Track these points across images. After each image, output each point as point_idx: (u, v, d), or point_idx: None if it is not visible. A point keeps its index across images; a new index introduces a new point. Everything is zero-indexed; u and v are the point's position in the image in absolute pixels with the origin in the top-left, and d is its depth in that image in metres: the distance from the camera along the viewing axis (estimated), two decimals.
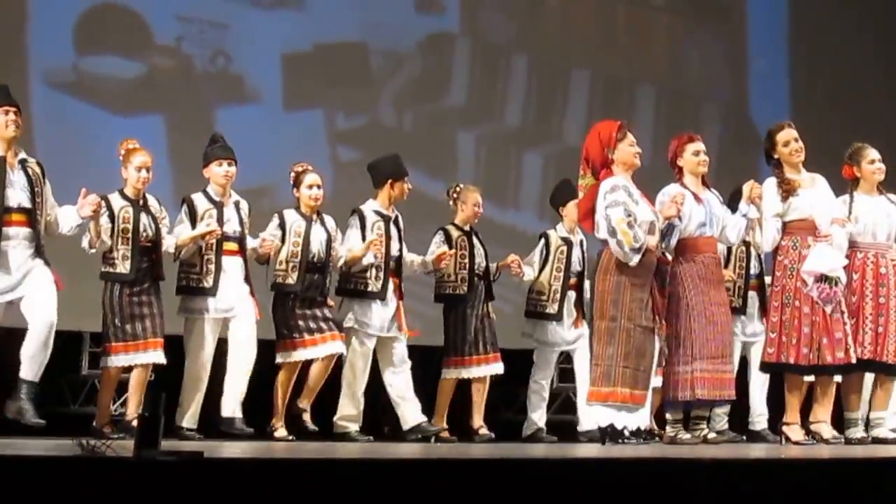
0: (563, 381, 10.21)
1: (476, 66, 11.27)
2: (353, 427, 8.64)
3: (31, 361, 7.42)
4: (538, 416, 9.37)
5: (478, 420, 9.16)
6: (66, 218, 7.63)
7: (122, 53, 9.81)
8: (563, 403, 10.25)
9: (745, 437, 9.52)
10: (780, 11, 12.60)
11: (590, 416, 7.91)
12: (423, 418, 8.81)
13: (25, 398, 7.40)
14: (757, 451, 7.75)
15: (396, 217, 8.82)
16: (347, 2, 10.63)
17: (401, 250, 8.82)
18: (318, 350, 8.45)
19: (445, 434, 8.99)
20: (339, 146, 10.53)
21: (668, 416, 8.09)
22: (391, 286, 8.72)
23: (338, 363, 8.59)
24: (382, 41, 10.79)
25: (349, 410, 8.66)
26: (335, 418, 8.67)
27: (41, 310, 7.36)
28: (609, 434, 7.59)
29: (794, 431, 8.23)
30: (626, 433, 7.58)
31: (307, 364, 8.49)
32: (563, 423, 9.66)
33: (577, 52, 11.66)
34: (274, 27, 10.35)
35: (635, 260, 7.50)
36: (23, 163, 7.49)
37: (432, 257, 8.94)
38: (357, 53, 10.68)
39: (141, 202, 7.97)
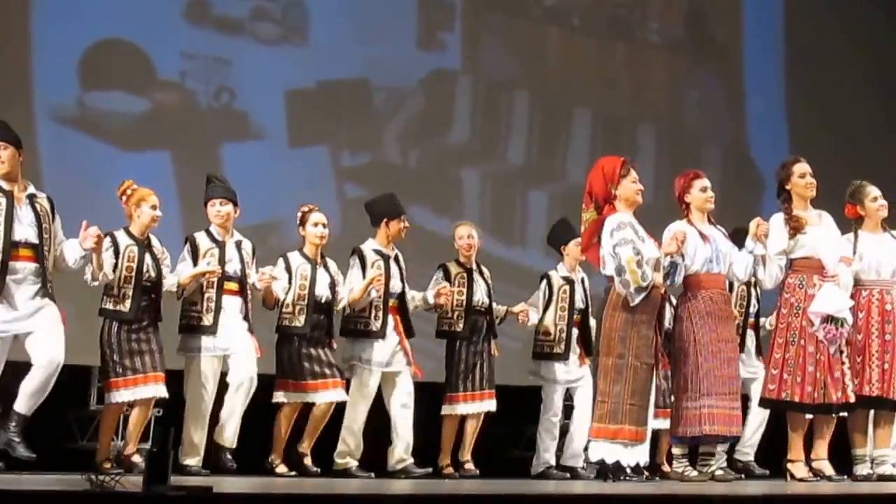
0: (569, 417, 10.17)
1: (478, 103, 11.29)
2: (353, 463, 8.63)
3: (29, 397, 7.40)
4: (549, 454, 9.35)
5: (465, 454, 9.13)
6: (71, 251, 7.62)
7: (127, 89, 9.83)
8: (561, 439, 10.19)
9: (743, 476, 9.51)
10: (776, 48, 12.62)
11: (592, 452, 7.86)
12: (410, 459, 8.79)
13: (15, 431, 7.38)
14: (763, 487, 7.76)
15: (397, 255, 8.83)
16: (350, 38, 10.64)
17: (403, 288, 8.83)
18: (318, 395, 8.47)
19: (449, 470, 8.97)
20: (345, 183, 10.53)
21: (674, 451, 8.10)
22: (391, 323, 8.72)
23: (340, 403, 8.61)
24: (385, 78, 10.80)
25: (349, 446, 8.65)
26: (335, 454, 8.65)
27: (47, 349, 7.35)
28: (612, 471, 7.58)
29: (799, 469, 8.23)
30: (629, 470, 7.58)
31: (307, 404, 8.51)
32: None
33: (578, 91, 11.68)
34: (277, 63, 10.37)
35: (639, 299, 7.52)
36: (31, 198, 7.48)
37: (432, 292, 8.94)
38: (359, 89, 10.70)
39: (146, 242, 7.97)
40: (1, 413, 7.46)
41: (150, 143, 9.77)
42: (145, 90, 9.90)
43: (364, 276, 8.64)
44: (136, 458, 7.85)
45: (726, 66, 12.46)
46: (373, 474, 8.61)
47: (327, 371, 8.47)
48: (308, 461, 8.53)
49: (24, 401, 7.41)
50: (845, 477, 8.30)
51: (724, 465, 9.31)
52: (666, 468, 9.03)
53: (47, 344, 7.36)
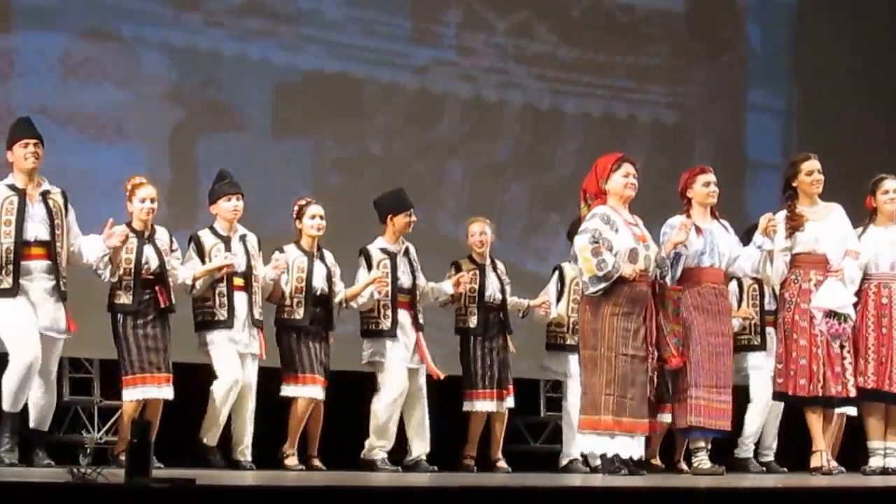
0: (550, 410, 10.11)
1: (469, 95, 11.23)
2: (382, 456, 8.65)
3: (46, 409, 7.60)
4: (574, 447, 9.17)
5: (496, 453, 9.14)
6: (92, 248, 7.66)
7: (112, 81, 9.74)
8: (553, 432, 10.18)
9: (765, 469, 9.51)
10: (781, 46, 12.56)
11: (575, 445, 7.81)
12: (424, 455, 8.78)
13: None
14: (755, 481, 7.73)
15: (406, 249, 8.82)
16: (342, 32, 10.58)
17: (414, 282, 8.80)
18: (311, 390, 8.47)
19: (470, 462, 9.00)
20: (326, 175, 10.52)
21: (691, 445, 8.09)
22: (406, 320, 8.72)
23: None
24: (376, 71, 10.75)
25: (379, 441, 8.66)
26: (367, 449, 8.67)
27: (48, 363, 7.50)
28: (601, 462, 7.55)
29: (814, 458, 8.18)
30: (616, 462, 7.52)
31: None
32: (553, 452, 9.57)
33: (574, 83, 11.61)
34: (266, 56, 10.31)
35: (596, 288, 7.48)
36: (44, 194, 7.52)
37: (449, 282, 8.91)
38: (350, 83, 10.64)
39: (146, 234, 7.97)
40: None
41: (132, 135, 9.71)
42: (131, 83, 9.82)
43: None
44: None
45: (730, 61, 12.38)
46: (400, 468, 8.62)
47: (315, 367, 8.46)
48: (293, 461, 8.51)
49: (39, 417, 7.62)
50: (843, 469, 8.32)
51: (750, 455, 9.36)
52: (655, 462, 8.99)
53: (48, 357, 7.50)
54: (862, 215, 8.52)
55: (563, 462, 9.30)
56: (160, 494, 4.39)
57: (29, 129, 7.59)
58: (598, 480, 7.03)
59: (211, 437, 8.23)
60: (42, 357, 7.45)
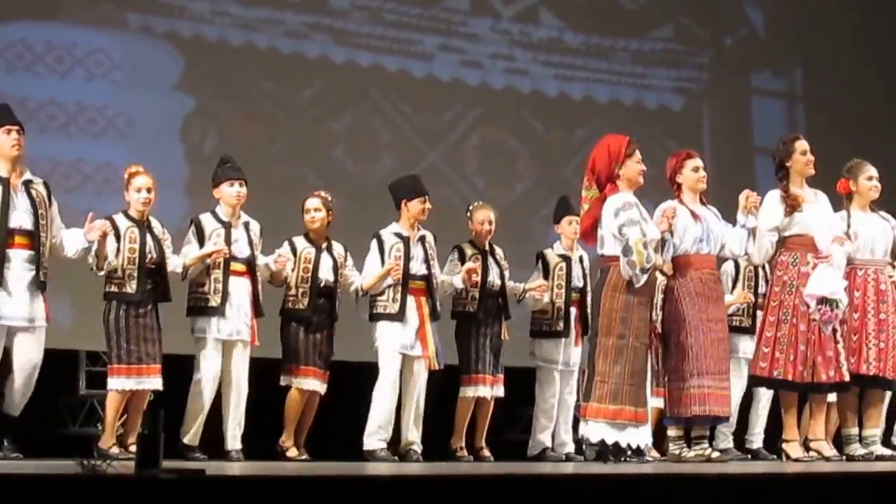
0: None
1: (476, 82, 11.25)
2: (381, 445, 8.61)
3: (15, 398, 7.50)
4: (545, 436, 9.30)
5: (480, 440, 9.11)
6: (73, 241, 7.64)
7: (120, 71, 9.79)
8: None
9: (749, 456, 9.48)
10: (786, 29, 12.54)
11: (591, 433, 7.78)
12: (418, 446, 8.75)
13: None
14: (759, 467, 7.73)
15: (423, 236, 8.78)
16: (349, 19, 10.64)
17: (429, 270, 8.78)
18: (306, 382, 8.51)
19: (463, 453, 8.97)
20: (334, 163, 10.53)
21: (669, 433, 8.06)
22: (413, 306, 8.67)
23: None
24: (383, 59, 10.79)
25: (376, 429, 8.63)
26: (365, 437, 8.64)
27: (27, 351, 7.44)
28: (613, 452, 7.56)
29: (794, 449, 8.21)
30: (629, 451, 7.55)
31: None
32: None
33: (580, 68, 11.62)
34: (273, 45, 10.37)
35: (643, 280, 7.49)
36: (27, 184, 7.49)
37: (461, 275, 8.89)
38: (357, 71, 10.68)
39: (145, 223, 7.98)
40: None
41: (140, 126, 9.74)
42: (137, 73, 9.85)
43: (382, 261, 8.64)
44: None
45: (735, 44, 12.37)
46: (396, 458, 8.58)
47: (316, 359, 8.51)
48: (294, 452, 8.54)
49: (11, 403, 7.51)
50: (843, 457, 8.29)
51: (730, 445, 9.35)
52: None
53: (28, 346, 7.44)
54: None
55: (534, 452, 9.27)
56: (169, 485, 4.41)
57: (10, 116, 7.53)
58: (613, 469, 7.02)
59: (192, 437, 8.17)
60: (20, 347, 7.44)
